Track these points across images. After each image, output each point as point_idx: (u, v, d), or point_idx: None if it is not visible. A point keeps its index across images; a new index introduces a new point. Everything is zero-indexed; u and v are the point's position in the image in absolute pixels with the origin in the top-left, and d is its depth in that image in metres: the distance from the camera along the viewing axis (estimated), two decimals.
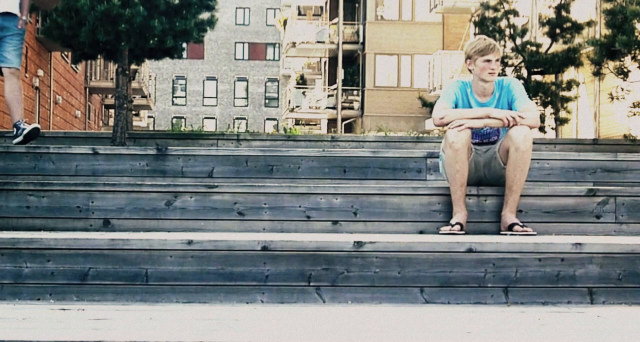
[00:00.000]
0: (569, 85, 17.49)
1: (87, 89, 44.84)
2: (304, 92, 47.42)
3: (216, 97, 73.60)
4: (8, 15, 8.14)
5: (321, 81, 49.94)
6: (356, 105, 43.24)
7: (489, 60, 6.36)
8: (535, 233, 6.09)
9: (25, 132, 7.93)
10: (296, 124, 47.77)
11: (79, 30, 13.05)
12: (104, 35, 12.87)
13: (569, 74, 20.20)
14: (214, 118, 72.80)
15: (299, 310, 4.63)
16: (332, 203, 6.26)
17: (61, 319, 4.09)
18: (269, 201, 6.24)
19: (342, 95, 42.07)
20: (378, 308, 4.75)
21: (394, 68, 43.05)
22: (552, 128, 17.68)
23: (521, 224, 6.13)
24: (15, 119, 8.08)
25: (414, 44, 42.51)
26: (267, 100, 73.70)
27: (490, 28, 17.65)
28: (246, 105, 73.60)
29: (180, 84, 73.68)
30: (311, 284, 5.00)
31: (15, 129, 8.05)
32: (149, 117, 69.51)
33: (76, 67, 40.92)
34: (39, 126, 8.04)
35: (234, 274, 4.98)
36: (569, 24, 17.48)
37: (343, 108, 42.07)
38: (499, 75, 6.53)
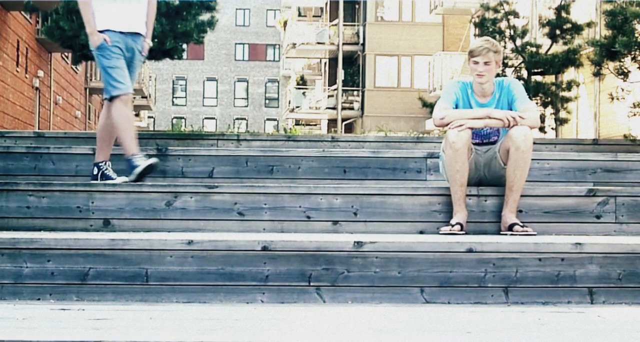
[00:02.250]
0: (569, 85, 17.49)
1: (88, 90, 44.85)
2: (304, 93, 47.43)
3: (216, 98, 73.63)
4: (136, 35, 7.26)
5: (321, 82, 49.95)
6: (356, 105, 43.25)
7: (476, 63, 6.35)
8: (535, 233, 6.09)
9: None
10: (296, 125, 47.75)
11: (80, 31, 13.06)
12: None
13: (569, 74, 20.20)
14: (214, 118, 72.82)
15: (299, 310, 4.63)
16: (332, 203, 6.26)
17: (61, 319, 4.09)
18: (269, 201, 6.24)
19: (342, 95, 42.07)
20: (378, 308, 4.75)
21: (394, 69, 43.05)
22: (552, 128, 17.68)
23: (521, 224, 6.13)
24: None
25: (414, 45, 42.52)
26: (267, 101, 73.72)
27: (491, 29, 17.65)
28: (246, 106, 73.61)
29: (181, 85, 73.70)
30: (311, 284, 5.00)
31: (95, 169, 7.10)
32: (149, 117, 69.54)
33: (76, 67, 40.92)
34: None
35: (234, 274, 4.98)
36: (569, 25, 17.49)
37: (343, 108, 42.07)
38: (498, 75, 6.53)
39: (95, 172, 7.13)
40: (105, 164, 7.13)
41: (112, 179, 6.99)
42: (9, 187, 6.21)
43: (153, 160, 6.92)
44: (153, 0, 7.51)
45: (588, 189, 6.40)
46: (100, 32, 7.14)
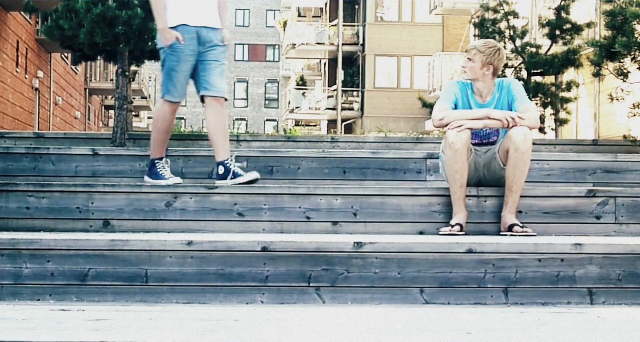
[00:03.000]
0: (569, 86, 17.49)
1: (87, 90, 44.86)
2: (304, 94, 47.42)
3: None
4: (212, 29, 6.95)
5: (321, 82, 49.95)
6: (356, 106, 43.24)
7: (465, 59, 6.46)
8: (535, 234, 6.09)
9: (241, 180, 6.75)
10: (296, 125, 47.76)
11: (79, 31, 13.06)
12: (102, 38, 12.89)
13: (569, 75, 20.19)
14: None
15: (299, 311, 4.63)
16: (332, 204, 6.26)
17: (61, 320, 4.09)
18: (269, 201, 6.24)
19: (342, 96, 42.08)
20: (378, 309, 4.75)
21: (394, 69, 43.05)
22: (552, 129, 17.67)
23: (521, 225, 6.13)
24: (221, 157, 6.88)
25: (413, 46, 42.51)
26: (267, 102, 73.72)
27: (491, 30, 17.64)
28: (246, 107, 73.62)
29: None
30: (311, 284, 5.00)
31: (222, 169, 6.86)
32: (149, 118, 69.49)
33: (76, 68, 40.92)
34: (258, 176, 6.83)
35: (234, 275, 4.98)
36: (569, 26, 17.48)
37: (343, 109, 42.08)
38: (499, 76, 6.53)
39: (221, 172, 6.88)
40: (231, 160, 6.90)
41: (240, 176, 6.81)
42: (9, 188, 6.21)
43: (178, 180, 6.84)
44: None
45: (588, 189, 6.40)
46: (173, 28, 6.85)
